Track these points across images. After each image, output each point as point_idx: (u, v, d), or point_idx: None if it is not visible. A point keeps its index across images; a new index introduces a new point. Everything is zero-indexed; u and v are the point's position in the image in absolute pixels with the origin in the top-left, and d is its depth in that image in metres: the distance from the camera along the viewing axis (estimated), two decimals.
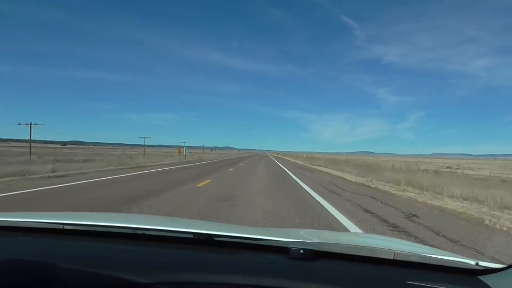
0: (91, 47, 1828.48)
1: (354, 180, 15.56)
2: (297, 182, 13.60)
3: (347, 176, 18.16)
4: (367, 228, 5.27)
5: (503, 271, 1.04)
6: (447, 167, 57.03)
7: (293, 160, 54.45)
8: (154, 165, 25.28)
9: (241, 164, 31.53)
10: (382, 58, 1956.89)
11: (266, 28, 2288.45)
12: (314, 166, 31.41)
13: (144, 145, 57.88)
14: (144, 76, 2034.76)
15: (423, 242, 4.54)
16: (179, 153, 38.35)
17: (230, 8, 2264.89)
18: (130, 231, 1.27)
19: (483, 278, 1.01)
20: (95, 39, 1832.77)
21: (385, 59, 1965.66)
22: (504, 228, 5.53)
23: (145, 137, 57.17)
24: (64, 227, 1.32)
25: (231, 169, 21.72)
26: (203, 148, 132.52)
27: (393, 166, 36.71)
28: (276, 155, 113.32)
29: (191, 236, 1.22)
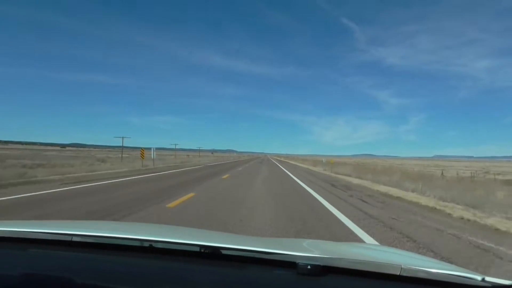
0: (94, 50, 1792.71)
1: None
2: None
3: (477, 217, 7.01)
4: None
5: None
6: (485, 172, 47.29)
7: (303, 166, 40.32)
8: (81, 176, 15.24)
9: (224, 176, 18.08)
10: (383, 61, 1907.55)
11: (267, 31, 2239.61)
12: (344, 177, 19.27)
13: (122, 147, 49.34)
14: (146, 79, 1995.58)
15: None
16: (142, 156, 25.92)
17: (232, 12, 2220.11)
18: (137, 243, 1.27)
19: None
20: (97, 43, 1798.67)
21: (386, 62, 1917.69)
22: None
23: (123, 137, 48.72)
24: (72, 239, 1.33)
25: (190, 196, 9.48)
26: (199, 150, 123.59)
27: (442, 174, 25.68)
28: (279, 158, 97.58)
29: (198, 249, 1.21)
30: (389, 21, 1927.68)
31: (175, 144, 71.55)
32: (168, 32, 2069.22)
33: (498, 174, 44.77)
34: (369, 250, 1.92)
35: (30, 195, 9.00)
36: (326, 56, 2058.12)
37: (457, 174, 29.60)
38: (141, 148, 26.85)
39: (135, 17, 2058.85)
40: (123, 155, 51.46)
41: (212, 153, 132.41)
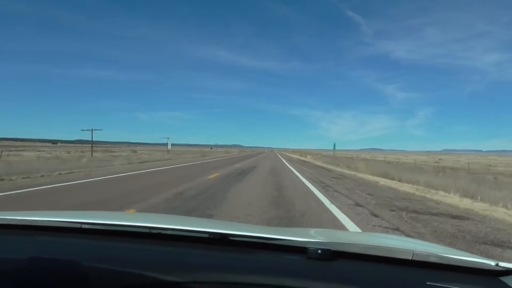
0: (99, 45, 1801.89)
1: None
2: None
3: None
4: None
5: None
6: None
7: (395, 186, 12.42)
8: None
9: None
10: (390, 54, 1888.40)
11: (272, 25, 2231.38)
12: None
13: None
14: (152, 75, 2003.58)
15: None
16: None
17: (236, 6, 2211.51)
18: (146, 230, 1.28)
19: (504, 279, 0.97)
20: (102, 38, 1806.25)
21: (393, 55, 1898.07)
22: None
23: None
24: (81, 226, 1.32)
25: None
26: (213, 146, 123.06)
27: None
28: (292, 156, 64.94)
29: (207, 235, 1.21)
30: (396, 14, 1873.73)
31: (168, 138, 60.05)
32: (173, 27, 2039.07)
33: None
34: (380, 238, 1.92)
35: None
36: (332, 50, 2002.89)
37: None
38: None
39: (140, 12, 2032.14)
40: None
41: (211, 148, 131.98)
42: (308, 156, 57.55)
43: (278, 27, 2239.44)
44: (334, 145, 37.91)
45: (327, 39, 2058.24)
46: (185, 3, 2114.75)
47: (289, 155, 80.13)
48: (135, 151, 53.58)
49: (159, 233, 1.24)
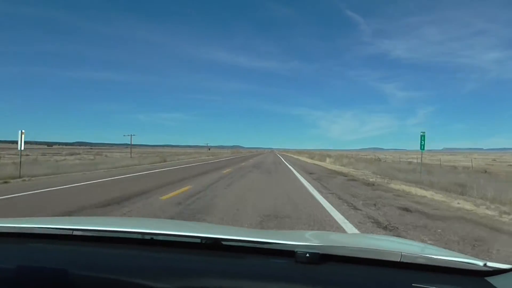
0: (97, 47, 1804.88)
1: None
2: None
3: None
4: None
5: (511, 272, 1.03)
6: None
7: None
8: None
9: None
10: (390, 53, 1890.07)
11: (271, 25, 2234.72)
12: None
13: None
14: (151, 76, 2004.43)
15: None
16: None
17: (235, 6, 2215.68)
18: (138, 236, 1.28)
19: (490, 279, 1.00)
20: (100, 39, 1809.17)
21: (392, 54, 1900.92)
22: None
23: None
24: (73, 233, 1.32)
25: None
26: (210, 147, 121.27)
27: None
28: (300, 159, 49.01)
29: (199, 240, 1.22)
30: (395, 13, 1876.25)
31: (131, 134, 51.72)
32: (173, 28, 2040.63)
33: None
34: (369, 239, 1.89)
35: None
36: (332, 49, 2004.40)
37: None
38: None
39: (138, 13, 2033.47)
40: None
41: (209, 149, 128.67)
42: (328, 160, 36.40)
43: (277, 27, 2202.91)
44: (422, 137, 17.10)
45: (327, 38, 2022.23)
46: (185, 4, 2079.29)
47: (295, 157, 59.65)
48: (105, 155, 49.34)
49: (151, 239, 1.25)
